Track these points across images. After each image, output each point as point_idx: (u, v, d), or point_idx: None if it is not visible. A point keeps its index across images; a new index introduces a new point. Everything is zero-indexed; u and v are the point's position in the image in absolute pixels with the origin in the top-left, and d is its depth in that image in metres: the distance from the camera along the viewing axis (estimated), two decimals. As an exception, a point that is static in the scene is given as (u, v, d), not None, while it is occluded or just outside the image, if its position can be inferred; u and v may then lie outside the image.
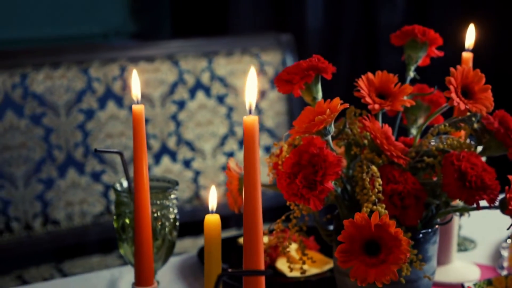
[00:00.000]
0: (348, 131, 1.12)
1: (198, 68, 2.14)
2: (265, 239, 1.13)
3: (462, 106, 1.07)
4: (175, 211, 1.20)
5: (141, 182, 1.06)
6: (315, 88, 1.08)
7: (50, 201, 1.92)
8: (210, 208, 1.07)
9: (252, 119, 0.82)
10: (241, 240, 1.37)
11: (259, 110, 2.20)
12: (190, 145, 2.13)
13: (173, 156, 2.09)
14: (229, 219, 2.16)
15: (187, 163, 2.11)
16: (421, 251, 1.08)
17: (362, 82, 1.11)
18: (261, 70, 2.21)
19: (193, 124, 2.13)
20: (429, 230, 1.09)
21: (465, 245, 1.48)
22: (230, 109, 2.18)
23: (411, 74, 1.20)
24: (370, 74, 1.12)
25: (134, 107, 1.04)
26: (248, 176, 0.84)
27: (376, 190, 1.02)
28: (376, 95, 1.11)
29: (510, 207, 1.03)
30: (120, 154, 1.11)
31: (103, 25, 2.54)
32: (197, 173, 2.12)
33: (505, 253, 1.29)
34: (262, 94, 2.22)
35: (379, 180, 1.02)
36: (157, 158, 2.08)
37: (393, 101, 1.10)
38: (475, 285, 1.23)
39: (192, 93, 2.13)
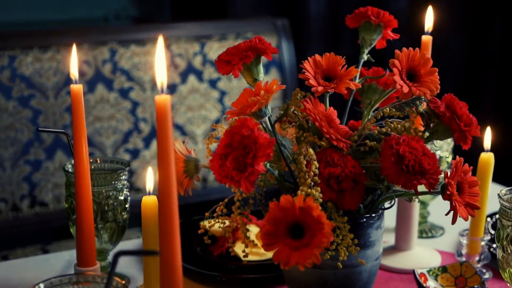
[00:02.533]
0: (297, 114, 1.11)
1: (190, 52, 2.13)
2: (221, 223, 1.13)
3: (405, 89, 1.05)
4: (126, 192, 1.20)
5: (81, 163, 1.06)
6: (255, 69, 1.07)
7: (38, 183, 1.94)
8: (147, 190, 1.08)
9: (164, 98, 0.82)
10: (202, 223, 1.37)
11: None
12: (181, 129, 2.13)
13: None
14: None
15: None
16: (363, 235, 1.07)
17: (307, 64, 1.09)
18: (255, 55, 2.20)
19: (184, 108, 2.13)
20: (372, 214, 1.08)
21: (433, 231, 1.46)
22: (223, 93, 2.18)
23: (365, 57, 1.18)
24: (317, 56, 1.10)
25: (73, 87, 1.05)
26: (162, 157, 0.83)
27: (312, 173, 1.00)
28: (323, 77, 1.10)
29: (448, 192, 1.01)
30: (66, 134, 1.12)
31: (103, 9, 2.55)
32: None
33: (464, 241, 1.26)
34: (256, 79, 2.20)
35: (316, 163, 1.01)
36: (147, 142, 2.09)
37: (338, 83, 1.08)
38: (428, 271, 1.21)
39: (184, 77, 2.13)
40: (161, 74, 0.82)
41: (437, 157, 1.34)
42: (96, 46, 2.02)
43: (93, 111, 2.00)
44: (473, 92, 2.79)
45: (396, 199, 1.31)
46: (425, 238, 1.45)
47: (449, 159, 1.41)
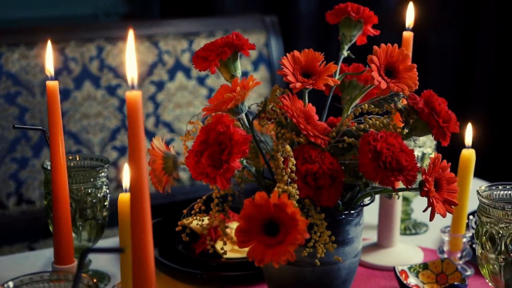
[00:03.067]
0: (275, 110, 1.10)
1: (178, 49, 2.13)
2: (205, 220, 1.13)
3: (383, 85, 1.04)
4: (105, 189, 1.19)
5: (58, 159, 1.06)
6: (233, 66, 1.07)
7: (25, 180, 1.94)
8: (124, 187, 1.07)
9: (135, 95, 0.81)
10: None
11: (241, 92, 2.19)
12: (169, 126, 2.12)
13: (151, 137, 2.09)
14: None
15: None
16: (341, 232, 1.07)
17: (286, 61, 1.09)
18: (244, 52, 2.19)
19: (172, 105, 2.12)
20: (351, 211, 1.07)
21: (416, 228, 1.45)
22: (211, 91, 2.17)
23: (345, 53, 1.17)
24: (296, 52, 1.10)
25: (48, 83, 1.04)
26: (133, 153, 0.82)
27: (290, 170, 1.00)
28: (302, 73, 1.09)
29: (425, 189, 1.00)
30: (43, 131, 1.11)
31: (93, 6, 2.55)
32: (177, 154, 2.12)
33: (445, 237, 1.26)
34: (244, 76, 2.20)
35: (293, 159, 1.00)
36: (134, 139, 2.08)
37: (316, 80, 1.07)
38: (409, 268, 1.21)
39: (172, 74, 2.12)
40: (132, 70, 0.81)
41: (420, 154, 1.34)
42: (83, 43, 2.01)
43: (80, 108, 1.99)
44: (463, 89, 2.79)
45: (378, 196, 1.31)
46: (408, 235, 1.44)
47: (433, 156, 1.40)
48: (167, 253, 1.32)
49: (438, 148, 1.43)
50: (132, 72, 0.81)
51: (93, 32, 2.05)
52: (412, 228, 1.45)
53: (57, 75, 1.96)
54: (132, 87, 0.81)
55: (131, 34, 0.82)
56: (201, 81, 2.15)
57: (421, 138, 1.38)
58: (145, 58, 2.08)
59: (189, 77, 2.14)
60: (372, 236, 1.38)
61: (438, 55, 2.72)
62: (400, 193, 1.33)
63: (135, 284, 0.85)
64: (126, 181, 1.07)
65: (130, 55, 0.81)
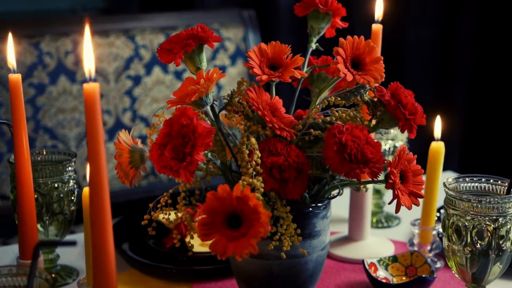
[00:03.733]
0: (242, 103, 1.09)
1: (155, 43, 2.11)
2: (176, 215, 1.12)
3: (349, 77, 1.04)
4: (73, 184, 1.18)
5: (21, 153, 1.05)
6: (198, 58, 1.06)
7: (0, 176, 1.92)
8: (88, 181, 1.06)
9: (92, 87, 0.80)
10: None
11: (219, 87, 2.18)
12: (146, 121, 2.11)
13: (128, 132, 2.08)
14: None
15: (142, 139, 2.09)
16: (308, 225, 1.06)
17: (253, 53, 1.08)
18: (221, 46, 2.19)
19: (149, 100, 2.11)
20: (318, 204, 1.07)
21: (388, 221, 1.45)
22: (189, 85, 2.16)
23: (313, 45, 1.17)
24: (263, 45, 1.09)
25: (11, 76, 1.03)
26: (91, 147, 0.82)
27: (255, 163, 0.99)
28: (269, 66, 1.08)
29: (390, 181, 1.00)
30: (8, 125, 1.10)
31: (71, 1, 2.53)
32: (146, 148, 2.11)
33: (415, 230, 1.26)
34: (222, 70, 2.19)
35: (258, 152, 1.00)
36: (111, 134, 2.07)
37: (283, 72, 1.07)
38: (379, 261, 1.21)
39: (148, 68, 2.11)
40: (89, 61, 0.80)
41: (392, 147, 1.33)
42: (59, 37, 2.00)
43: (56, 103, 1.98)
44: (442, 83, 2.79)
45: (349, 189, 1.31)
46: (380, 228, 1.44)
47: (404, 149, 1.40)
48: (138, 248, 1.31)
49: (410, 141, 1.43)
50: (89, 64, 0.80)
51: (68, 26, 2.03)
52: (384, 221, 1.45)
53: (32, 69, 1.95)
54: (89, 79, 0.81)
55: (87, 28, 0.81)
56: (178, 75, 2.15)
57: (392, 131, 1.39)
58: (121, 52, 2.06)
59: (166, 72, 2.13)
60: (343, 230, 1.38)
61: (417, 50, 2.72)
62: (371, 186, 1.33)
63: (95, 277, 0.84)
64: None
65: (88, 47, 0.80)
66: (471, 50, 2.75)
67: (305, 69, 1.14)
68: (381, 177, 1.02)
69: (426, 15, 2.68)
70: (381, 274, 1.19)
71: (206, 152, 1.01)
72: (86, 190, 1.03)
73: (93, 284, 0.84)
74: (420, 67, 2.71)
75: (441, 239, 1.28)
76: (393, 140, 1.39)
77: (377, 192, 1.46)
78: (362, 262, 1.18)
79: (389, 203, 1.02)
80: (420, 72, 2.72)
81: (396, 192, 1.00)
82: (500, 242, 1.02)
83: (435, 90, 2.75)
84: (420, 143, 1.47)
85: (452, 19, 2.73)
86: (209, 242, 1.29)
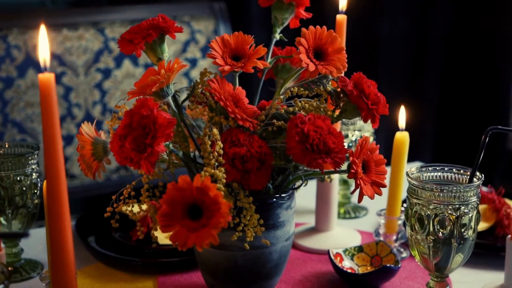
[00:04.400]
0: (205, 94, 1.09)
1: (125, 36, 2.10)
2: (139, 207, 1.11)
3: (312, 67, 1.04)
4: (36, 177, 1.17)
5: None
6: (159, 48, 1.06)
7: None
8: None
9: (47, 77, 0.80)
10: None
11: (190, 79, 2.17)
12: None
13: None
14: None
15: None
16: (272, 216, 1.06)
17: (215, 44, 1.08)
18: (192, 39, 2.18)
19: (119, 93, 2.10)
20: (282, 195, 1.07)
21: (356, 212, 1.46)
22: (159, 78, 2.15)
23: (277, 36, 1.16)
24: (226, 35, 1.09)
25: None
26: (47, 138, 0.81)
27: (217, 154, 0.99)
28: (232, 56, 1.08)
29: (352, 171, 1.00)
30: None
31: (40, -7, 2.50)
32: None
33: (381, 220, 1.26)
34: (193, 63, 2.18)
35: (220, 143, 0.99)
36: (81, 127, 2.05)
37: (246, 63, 1.07)
38: (344, 251, 1.21)
39: (118, 61, 2.10)
40: (44, 51, 0.79)
41: (359, 137, 1.34)
42: (27, 30, 1.97)
43: (24, 97, 1.96)
44: (414, 75, 2.80)
45: (315, 181, 1.31)
46: (348, 218, 1.44)
47: (370, 140, 1.40)
48: (103, 242, 1.31)
49: (379, 132, 1.43)
50: (44, 54, 0.79)
51: (37, 19, 2.01)
52: (352, 211, 1.45)
53: (0, 62, 1.93)
54: (44, 69, 0.80)
55: (42, 28, 0.80)
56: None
57: (359, 122, 1.39)
58: (91, 45, 2.05)
59: (136, 65, 2.12)
60: (310, 221, 1.38)
61: (390, 43, 2.73)
62: (337, 177, 1.33)
63: (54, 271, 0.83)
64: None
65: (43, 37, 0.79)
66: (444, 44, 2.77)
67: (269, 59, 1.14)
68: (344, 167, 1.02)
69: (399, 8, 2.69)
70: (347, 264, 1.19)
71: (168, 143, 1.00)
72: (46, 183, 1.02)
73: (51, 278, 0.83)
74: (392, 59, 2.72)
75: (406, 229, 1.28)
76: (360, 131, 1.39)
77: (344, 182, 1.46)
78: (328, 252, 1.18)
79: (351, 193, 1.02)
80: (392, 64, 2.73)
81: (358, 182, 1.00)
82: (462, 231, 1.03)
83: (408, 82, 2.76)
84: (389, 134, 1.47)
85: (425, 12, 2.74)
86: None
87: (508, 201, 1.36)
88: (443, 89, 2.81)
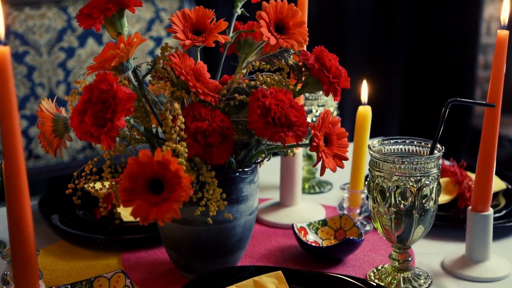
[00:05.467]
0: (166, 69, 1.08)
1: (88, 14, 2.07)
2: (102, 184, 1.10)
3: (273, 41, 1.03)
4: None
5: None
6: (119, 23, 1.04)
7: None
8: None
9: (1, 50, 0.78)
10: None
11: (153, 57, 2.15)
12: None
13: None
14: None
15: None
16: (235, 190, 1.06)
17: (176, 18, 1.07)
18: (157, 17, 2.16)
19: (83, 72, 2.07)
20: (244, 169, 1.07)
21: (321, 187, 1.46)
22: (124, 57, 2.13)
23: (239, 11, 1.16)
24: (186, 10, 1.08)
25: None
26: (4, 115, 0.79)
27: (178, 128, 0.99)
28: (193, 31, 1.07)
29: (314, 144, 1.00)
30: None
31: (1, -28, 2.45)
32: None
33: (345, 194, 1.27)
34: (158, 42, 2.17)
35: (181, 118, 0.99)
36: (45, 107, 2.03)
37: (207, 37, 1.06)
38: (309, 225, 1.22)
39: (82, 40, 2.07)
40: (-1, 23, 0.78)
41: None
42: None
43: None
44: (381, 52, 2.82)
45: (280, 156, 1.31)
46: (313, 193, 1.45)
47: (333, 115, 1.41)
48: (67, 220, 1.30)
49: (342, 107, 1.44)
50: (-1, 26, 0.78)
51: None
52: (316, 186, 1.46)
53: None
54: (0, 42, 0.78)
55: None
56: (113, 47, 2.11)
57: (323, 97, 1.39)
58: (54, 24, 2.02)
59: (101, 43, 2.09)
60: (274, 196, 1.39)
61: (356, 18, 2.73)
62: (301, 152, 1.33)
63: (13, 248, 0.82)
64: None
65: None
66: (410, 19, 2.78)
67: (231, 34, 1.13)
68: (307, 141, 1.02)
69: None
70: (311, 238, 1.20)
71: (128, 118, 1.00)
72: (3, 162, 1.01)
73: (11, 255, 0.83)
74: (359, 34, 2.72)
75: (370, 202, 1.30)
76: (323, 106, 1.39)
77: (308, 158, 1.47)
78: (292, 226, 1.18)
79: (314, 166, 1.02)
80: (359, 39, 2.74)
81: (320, 155, 1.01)
82: (423, 202, 1.04)
83: (374, 57, 2.77)
84: (355, 110, 1.48)
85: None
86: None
87: (470, 174, 1.37)
88: (409, 64, 2.83)
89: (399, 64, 2.82)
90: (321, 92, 1.39)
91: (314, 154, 1.45)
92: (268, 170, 1.40)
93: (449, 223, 1.26)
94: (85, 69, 2.07)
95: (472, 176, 1.36)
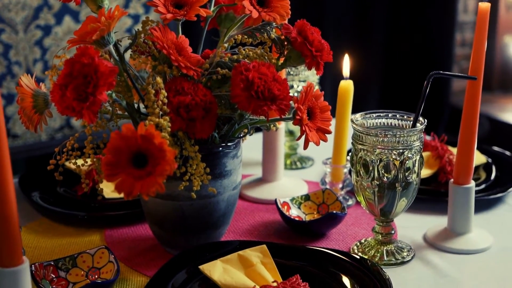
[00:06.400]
0: (147, 43, 1.07)
1: (65, -9, 2.04)
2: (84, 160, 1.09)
3: (255, 14, 1.03)
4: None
5: None
6: (99, -4, 1.03)
7: None
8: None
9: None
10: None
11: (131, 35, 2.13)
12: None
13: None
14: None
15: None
16: (218, 165, 1.06)
17: (157, -9, 1.06)
18: (135, -6, 2.14)
19: (61, 50, 2.05)
20: (228, 144, 1.06)
21: (302, 163, 1.47)
22: (102, 35, 2.10)
23: (221, -16, 1.15)
24: (168, -17, 1.07)
25: None
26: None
27: (161, 103, 0.98)
28: (174, 4, 1.06)
29: (298, 117, 1.00)
30: None
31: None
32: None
33: (327, 169, 1.27)
34: (136, 19, 2.15)
35: (164, 92, 0.98)
36: (22, 86, 2.00)
37: (188, 10, 1.05)
38: (292, 200, 1.22)
39: (59, 17, 2.04)
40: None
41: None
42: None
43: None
44: (362, 24, 2.81)
45: (262, 132, 1.31)
46: (295, 169, 1.45)
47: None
48: (48, 197, 1.29)
49: (323, 83, 1.44)
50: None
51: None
52: (298, 162, 1.46)
53: None
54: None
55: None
56: (90, 24, 2.08)
57: (304, 73, 1.39)
58: (29, 1, 1.99)
59: (78, 21, 2.07)
60: (257, 172, 1.39)
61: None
62: (283, 127, 1.33)
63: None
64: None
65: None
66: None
67: (212, 8, 1.12)
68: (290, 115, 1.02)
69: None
70: (294, 212, 1.20)
71: (110, 92, 0.99)
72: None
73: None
74: (338, 8, 2.72)
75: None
76: (305, 81, 1.39)
77: (290, 133, 1.47)
78: (275, 201, 1.18)
79: (297, 139, 1.02)
80: (339, 13, 2.73)
81: (303, 128, 1.00)
82: (406, 175, 1.04)
83: (354, 31, 2.77)
84: (335, 85, 1.48)
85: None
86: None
87: (451, 148, 1.38)
88: (388, 41, 2.84)
89: (378, 41, 2.83)
90: (302, 67, 1.39)
91: (295, 129, 1.45)
92: (250, 146, 1.40)
93: (430, 196, 1.27)
94: (62, 47, 2.05)
95: (453, 150, 1.37)
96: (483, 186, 1.32)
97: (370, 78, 2.70)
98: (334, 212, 1.14)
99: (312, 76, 1.39)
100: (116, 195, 1.27)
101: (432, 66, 2.94)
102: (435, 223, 1.19)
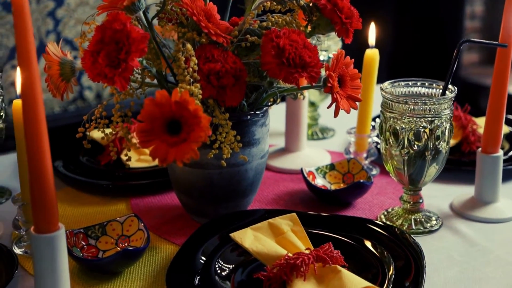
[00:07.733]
0: (175, 10, 1.06)
1: (77, -38, 2.03)
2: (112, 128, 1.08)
3: (285, -19, 1.02)
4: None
5: None
6: (128, -38, 1.01)
7: None
8: (17, 92, 1.02)
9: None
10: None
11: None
12: (71, 44, 2.04)
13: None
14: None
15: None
16: (247, 133, 1.05)
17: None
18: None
19: (73, 21, 2.04)
20: (256, 112, 1.06)
21: (324, 133, 1.46)
22: (114, 6, 2.09)
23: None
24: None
25: None
26: (22, 55, 0.77)
27: (192, 70, 0.97)
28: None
29: (329, 85, 0.99)
30: None
31: None
32: (81, 73, 2.05)
33: (351, 138, 1.27)
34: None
35: (194, 59, 0.97)
36: (35, 58, 1.99)
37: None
38: (317, 170, 1.21)
39: (71, -12, 2.03)
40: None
41: (327, 58, 1.33)
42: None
43: None
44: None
45: (285, 103, 1.30)
46: (316, 139, 1.45)
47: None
48: (72, 166, 1.28)
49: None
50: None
51: None
52: (319, 132, 1.46)
53: None
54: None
55: None
56: (103, -4, 2.07)
57: (326, 42, 1.38)
58: (42, -28, 1.97)
59: (90, -8, 2.05)
60: (280, 143, 1.38)
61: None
62: (305, 97, 1.32)
63: (33, 190, 0.81)
64: (18, 86, 1.01)
65: None
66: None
67: (239, -25, 1.11)
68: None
69: None
70: (319, 182, 1.20)
71: (141, 59, 0.98)
72: (16, 102, 0.99)
73: (31, 198, 0.81)
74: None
75: (376, 147, 1.30)
76: (326, 51, 1.38)
77: (312, 104, 1.46)
78: (301, 170, 1.18)
79: (328, 107, 1.01)
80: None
81: (335, 96, 1.00)
82: (436, 143, 1.04)
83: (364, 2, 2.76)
84: (354, 54, 1.47)
85: None
86: (146, 157, 1.27)
87: (474, 118, 1.38)
88: (398, 11, 2.82)
89: (388, 13, 2.81)
90: (323, 37, 1.38)
91: (317, 100, 1.44)
92: (272, 117, 1.39)
93: (454, 166, 1.27)
94: (75, 19, 2.03)
95: (477, 121, 1.36)
96: (507, 155, 1.31)
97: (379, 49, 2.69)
98: (361, 181, 1.13)
99: (334, 46, 1.38)
100: (140, 164, 1.27)
101: (442, 40, 2.92)
102: (460, 192, 1.19)
